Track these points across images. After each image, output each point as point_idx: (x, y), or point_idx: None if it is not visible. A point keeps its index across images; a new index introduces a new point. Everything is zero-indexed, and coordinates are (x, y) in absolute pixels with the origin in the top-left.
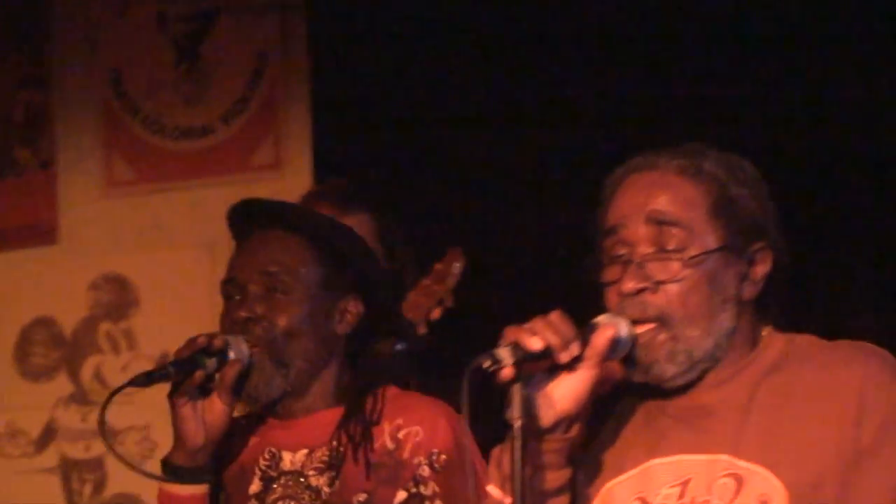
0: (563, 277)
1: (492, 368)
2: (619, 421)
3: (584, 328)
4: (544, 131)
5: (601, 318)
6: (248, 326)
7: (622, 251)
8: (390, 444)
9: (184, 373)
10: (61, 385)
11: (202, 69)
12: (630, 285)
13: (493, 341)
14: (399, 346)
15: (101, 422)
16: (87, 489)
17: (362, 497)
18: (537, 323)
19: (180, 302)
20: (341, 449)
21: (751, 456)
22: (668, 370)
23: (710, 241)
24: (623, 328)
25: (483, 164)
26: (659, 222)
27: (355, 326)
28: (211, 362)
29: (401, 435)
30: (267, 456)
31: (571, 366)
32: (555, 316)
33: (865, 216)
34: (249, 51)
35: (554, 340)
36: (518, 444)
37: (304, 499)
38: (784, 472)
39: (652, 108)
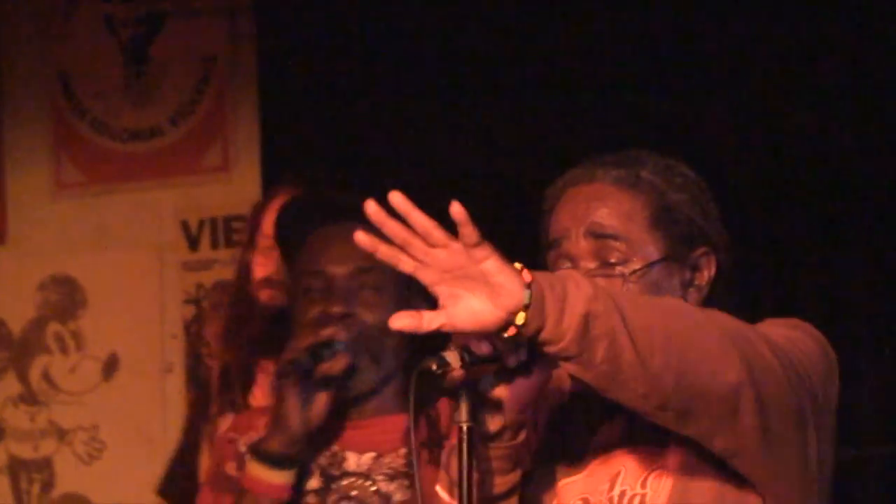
0: None
1: (439, 371)
2: (569, 426)
3: None
4: (499, 136)
5: None
6: (346, 322)
7: (565, 265)
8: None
9: (314, 362)
10: (9, 385)
11: (150, 72)
12: None
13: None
14: None
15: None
16: (35, 489)
17: None
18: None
19: (129, 303)
20: (414, 460)
21: (676, 441)
22: None
23: (652, 252)
24: None
25: (434, 167)
26: (599, 236)
27: None
28: (328, 354)
29: None
30: (328, 454)
31: (519, 370)
32: None
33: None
34: (198, 53)
35: (502, 344)
36: (465, 447)
37: (371, 503)
38: (688, 443)
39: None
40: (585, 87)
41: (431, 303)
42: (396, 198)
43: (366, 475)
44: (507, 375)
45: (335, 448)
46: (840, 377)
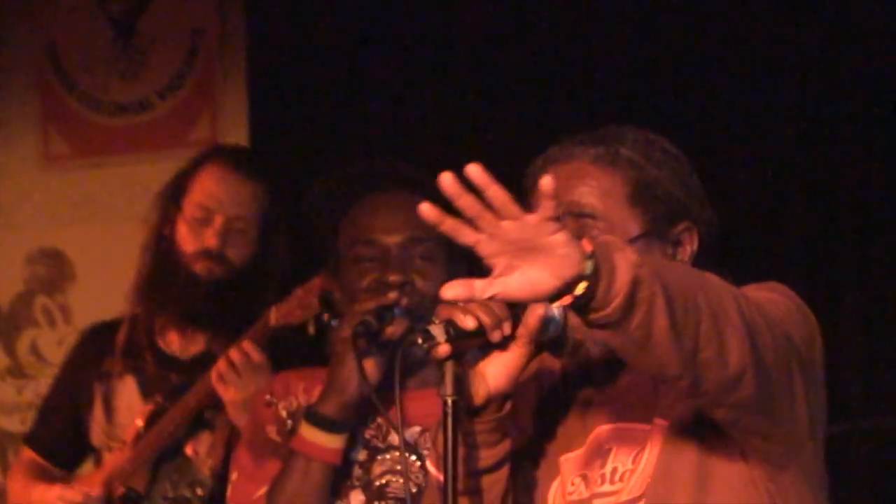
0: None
1: (425, 346)
2: (563, 407)
3: (516, 308)
4: (488, 113)
5: None
6: (404, 290)
7: None
8: None
9: (380, 325)
10: None
11: (139, 45)
12: None
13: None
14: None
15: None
16: None
17: None
18: (471, 302)
19: (116, 276)
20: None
21: (660, 414)
22: (594, 351)
23: (632, 228)
24: (553, 308)
25: (424, 138)
26: (578, 215)
27: None
28: (390, 318)
29: None
30: (373, 426)
31: (504, 345)
32: None
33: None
34: (186, 27)
35: (486, 319)
36: (450, 420)
37: (417, 478)
38: (672, 415)
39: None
40: (576, 77)
41: (476, 273)
42: (475, 170)
43: (411, 449)
44: (491, 349)
45: (380, 421)
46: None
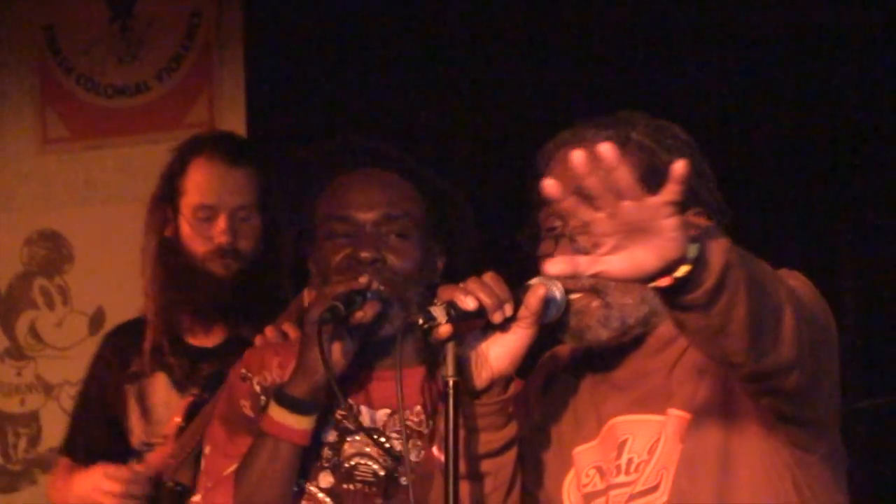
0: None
1: (426, 326)
2: (573, 393)
3: (517, 289)
4: (482, 93)
5: (534, 280)
6: (375, 267)
7: (555, 224)
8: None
9: (349, 310)
10: None
11: (136, 27)
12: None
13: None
14: None
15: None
16: (22, 443)
17: None
18: (471, 283)
19: (114, 258)
20: (430, 419)
21: (675, 405)
22: (602, 334)
23: None
24: (556, 289)
25: (418, 125)
26: (588, 196)
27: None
28: (361, 301)
29: None
30: (343, 407)
31: (505, 326)
32: (489, 277)
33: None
34: (183, 9)
35: (488, 300)
36: (452, 401)
37: (386, 461)
38: (696, 407)
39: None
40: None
41: (448, 252)
42: (607, 149)
43: (380, 431)
44: (493, 330)
45: (350, 402)
46: None
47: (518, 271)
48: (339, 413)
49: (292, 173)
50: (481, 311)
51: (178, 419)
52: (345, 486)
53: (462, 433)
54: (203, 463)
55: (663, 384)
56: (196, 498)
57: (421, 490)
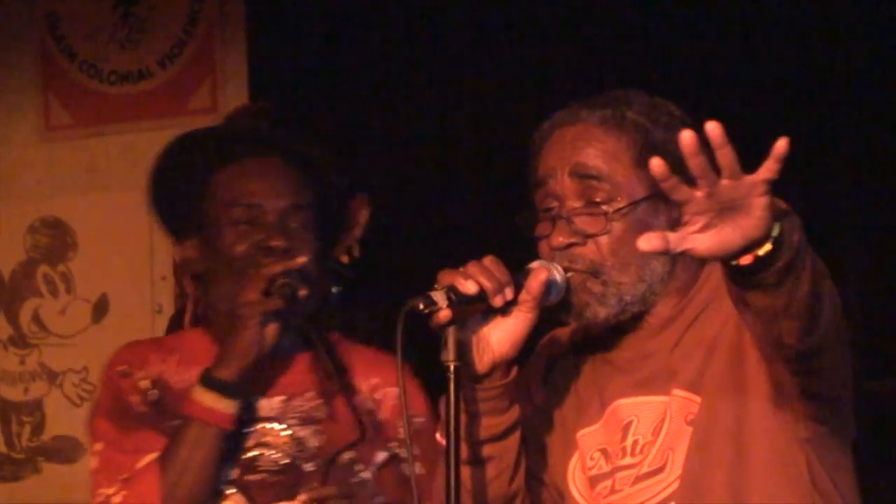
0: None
1: (426, 311)
2: (574, 376)
3: (518, 273)
4: (482, 77)
5: (534, 264)
6: (287, 256)
7: (552, 205)
8: (370, 404)
9: (294, 290)
10: (0, 328)
11: (139, 13)
12: (559, 240)
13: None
14: (335, 289)
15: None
16: (26, 431)
17: (350, 454)
18: (471, 267)
19: (118, 245)
20: (325, 403)
21: (679, 385)
22: (601, 312)
23: (637, 191)
24: (556, 272)
25: (422, 106)
26: (584, 176)
27: None
28: (295, 283)
29: (378, 395)
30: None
31: (506, 310)
32: (489, 260)
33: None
34: None
35: (488, 284)
36: (453, 386)
37: (286, 449)
38: (701, 389)
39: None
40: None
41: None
42: (714, 128)
43: (277, 420)
44: (494, 314)
45: None
46: None
47: (517, 255)
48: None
49: (179, 158)
50: (482, 295)
51: None
52: (248, 477)
53: (464, 418)
54: (94, 461)
55: (665, 364)
56: (110, 493)
57: (330, 476)
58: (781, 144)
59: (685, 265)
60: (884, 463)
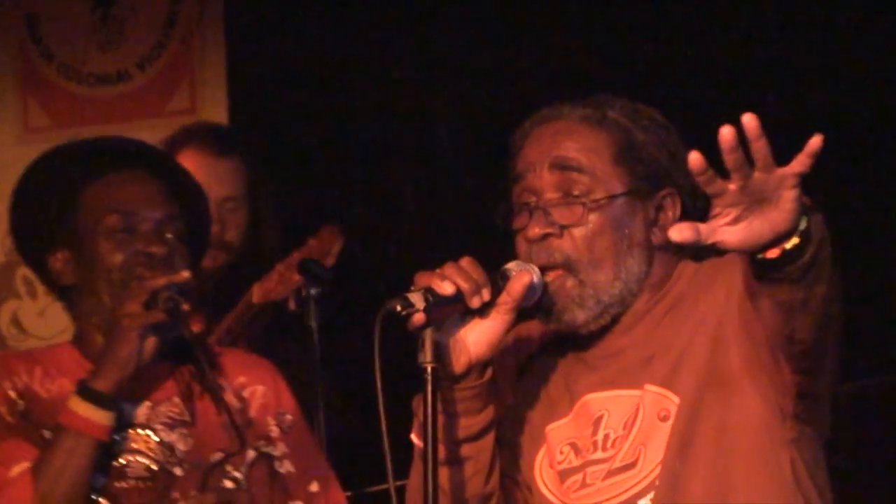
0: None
1: (404, 312)
2: (546, 371)
3: (494, 274)
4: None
5: (511, 265)
6: (168, 264)
7: (529, 198)
8: (237, 403)
9: (178, 304)
10: None
11: (117, 15)
12: (536, 230)
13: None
14: (313, 291)
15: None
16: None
17: (218, 455)
18: (448, 268)
19: None
20: (192, 405)
21: (649, 381)
22: (579, 316)
23: (615, 186)
24: (536, 274)
25: (402, 105)
26: (563, 168)
27: None
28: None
29: (245, 394)
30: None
31: (483, 311)
32: (465, 262)
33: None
34: None
35: (465, 285)
36: (430, 387)
37: (155, 454)
38: (677, 386)
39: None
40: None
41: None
42: (750, 120)
43: (145, 425)
44: (471, 316)
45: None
46: None
47: (491, 255)
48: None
49: (49, 170)
50: (459, 296)
51: None
52: (117, 484)
53: (441, 419)
54: None
55: (637, 359)
56: None
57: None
58: (816, 140)
59: (662, 262)
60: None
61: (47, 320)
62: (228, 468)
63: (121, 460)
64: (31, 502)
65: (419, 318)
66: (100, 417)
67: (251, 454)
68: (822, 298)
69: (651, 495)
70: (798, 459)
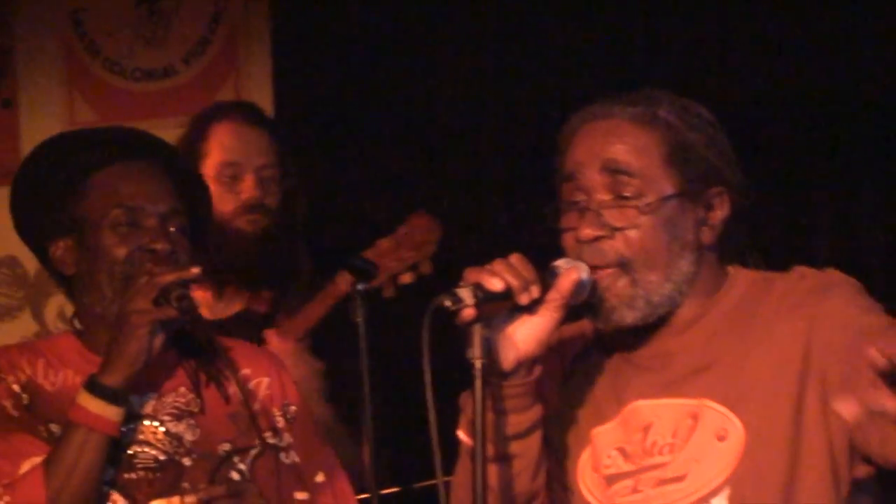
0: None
1: (453, 308)
2: (594, 372)
3: (544, 271)
4: (514, 79)
5: (560, 262)
6: (172, 259)
7: (579, 198)
8: (241, 395)
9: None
10: (25, 324)
11: (162, 10)
12: (588, 232)
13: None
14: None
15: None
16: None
17: (226, 447)
18: (498, 264)
19: None
20: (198, 397)
21: (708, 394)
22: (628, 316)
23: (666, 187)
24: (584, 272)
25: (443, 103)
26: (614, 171)
27: None
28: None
29: (250, 385)
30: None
31: (532, 308)
32: (515, 258)
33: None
34: None
35: (514, 282)
36: (479, 383)
37: (163, 445)
38: (742, 409)
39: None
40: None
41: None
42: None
43: (152, 416)
44: (520, 312)
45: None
46: None
47: (540, 251)
48: None
49: (54, 157)
50: (508, 293)
51: None
52: (126, 475)
53: (489, 416)
54: None
55: (689, 367)
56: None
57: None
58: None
59: (709, 266)
60: None
61: None
62: (235, 459)
63: (129, 451)
64: (43, 499)
65: (468, 313)
66: (110, 413)
67: (257, 446)
68: None
69: None
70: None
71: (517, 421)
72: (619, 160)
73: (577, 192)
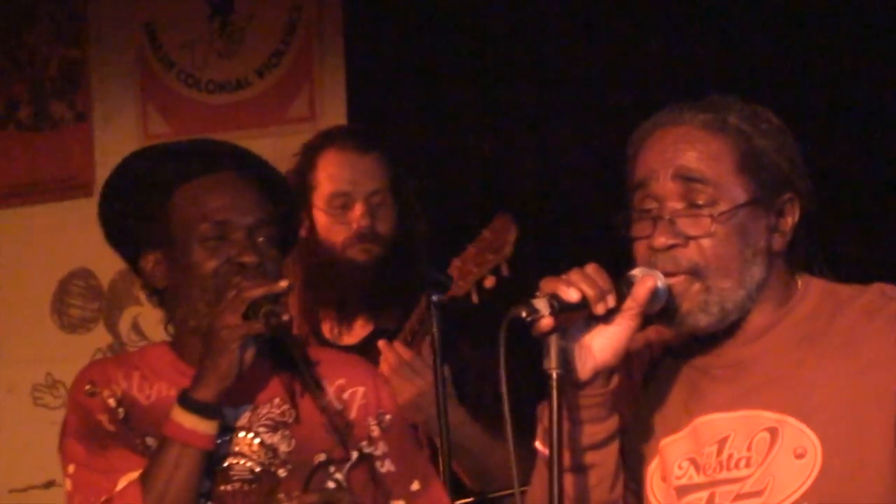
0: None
1: (529, 319)
2: (665, 382)
3: (620, 281)
4: (587, 88)
5: (636, 271)
6: (260, 271)
7: (651, 206)
8: (337, 405)
9: (279, 315)
10: (99, 336)
11: (236, 22)
12: (662, 240)
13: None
14: (435, 297)
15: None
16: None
17: (322, 457)
18: (573, 274)
19: None
20: (293, 408)
21: (786, 409)
22: (702, 320)
23: (739, 195)
24: (660, 280)
25: (517, 114)
26: (686, 179)
27: None
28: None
29: (346, 395)
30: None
31: (608, 317)
32: (591, 268)
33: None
34: (284, 4)
35: (590, 291)
36: (555, 393)
37: (259, 457)
38: (819, 425)
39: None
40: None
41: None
42: None
43: (247, 429)
44: (596, 322)
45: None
46: None
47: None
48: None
49: (141, 171)
50: (584, 303)
51: None
52: (222, 487)
53: (566, 426)
54: (68, 483)
55: (764, 378)
56: None
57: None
58: None
59: (779, 273)
60: None
61: (166, 327)
62: (331, 469)
63: (224, 463)
64: None
65: (545, 323)
66: (204, 428)
67: (353, 456)
68: None
69: None
70: None
71: (594, 431)
72: (692, 167)
73: (648, 200)
